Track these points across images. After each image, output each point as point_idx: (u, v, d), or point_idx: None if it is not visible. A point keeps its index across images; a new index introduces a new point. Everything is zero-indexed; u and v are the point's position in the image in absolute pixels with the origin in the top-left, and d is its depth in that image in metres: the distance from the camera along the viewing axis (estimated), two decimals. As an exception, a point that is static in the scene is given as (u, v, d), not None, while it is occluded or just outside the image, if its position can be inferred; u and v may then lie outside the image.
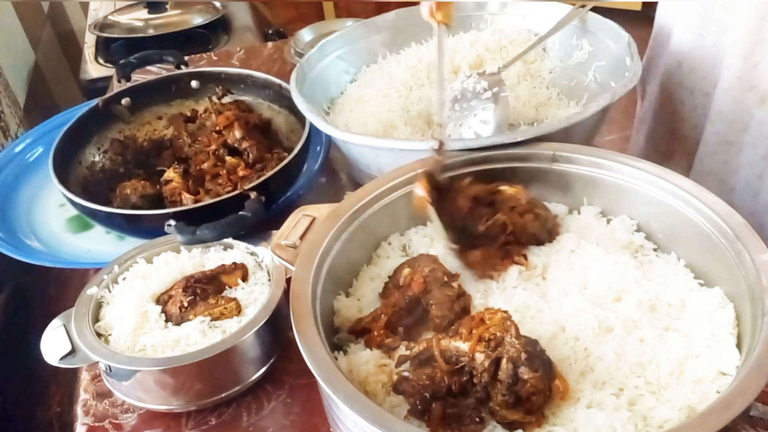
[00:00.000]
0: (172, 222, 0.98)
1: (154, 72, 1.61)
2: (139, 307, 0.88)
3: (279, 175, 1.10)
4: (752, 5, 1.01)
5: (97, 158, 1.30)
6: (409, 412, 0.70)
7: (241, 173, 1.19)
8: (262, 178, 1.08)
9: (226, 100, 1.37)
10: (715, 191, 0.82)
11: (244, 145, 1.24)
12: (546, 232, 0.90)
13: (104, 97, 1.34)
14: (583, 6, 1.25)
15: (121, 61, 1.39)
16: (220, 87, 1.37)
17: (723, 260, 0.78)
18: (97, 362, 0.85)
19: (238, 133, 1.25)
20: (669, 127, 1.27)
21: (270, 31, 2.37)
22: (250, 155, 1.23)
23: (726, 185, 1.16)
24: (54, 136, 1.23)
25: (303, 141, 1.15)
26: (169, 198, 1.18)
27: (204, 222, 0.98)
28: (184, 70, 1.41)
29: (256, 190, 1.05)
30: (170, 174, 1.21)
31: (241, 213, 1.00)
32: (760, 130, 1.09)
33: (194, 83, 1.38)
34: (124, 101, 1.35)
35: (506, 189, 0.90)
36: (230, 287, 0.92)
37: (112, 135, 1.33)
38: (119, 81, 1.39)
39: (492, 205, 0.89)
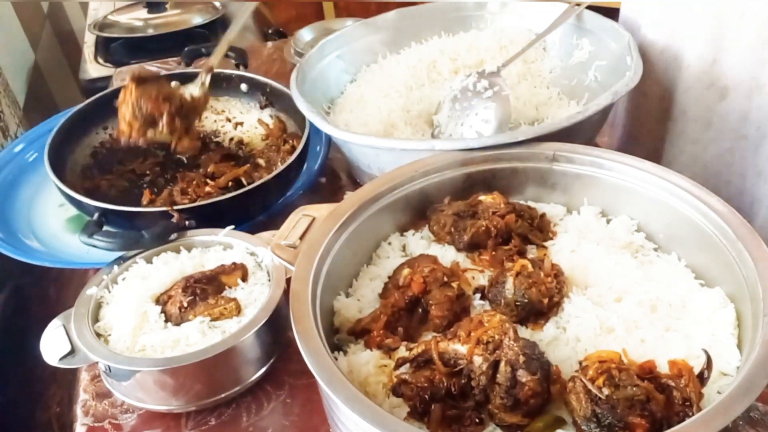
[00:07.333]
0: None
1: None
2: (138, 308, 0.88)
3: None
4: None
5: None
6: (409, 414, 0.70)
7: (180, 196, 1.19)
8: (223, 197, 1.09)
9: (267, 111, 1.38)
10: None
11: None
12: (537, 230, 0.91)
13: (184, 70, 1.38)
14: (578, 4, 1.25)
15: (187, 48, 1.46)
16: (264, 97, 1.38)
17: (723, 260, 0.78)
18: (97, 362, 0.85)
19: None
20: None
21: (270, 31, 2.37)
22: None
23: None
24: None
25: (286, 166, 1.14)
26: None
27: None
28: (236, 71, 1.42)
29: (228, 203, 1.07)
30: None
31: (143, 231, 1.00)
32: (723, 125, 1.09)
33: (243, 86, 1.40)
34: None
35: (485, 198, 0.93)
36: (230, 287, 0.92)
37: None
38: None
39: (475, 216, 0.91)
